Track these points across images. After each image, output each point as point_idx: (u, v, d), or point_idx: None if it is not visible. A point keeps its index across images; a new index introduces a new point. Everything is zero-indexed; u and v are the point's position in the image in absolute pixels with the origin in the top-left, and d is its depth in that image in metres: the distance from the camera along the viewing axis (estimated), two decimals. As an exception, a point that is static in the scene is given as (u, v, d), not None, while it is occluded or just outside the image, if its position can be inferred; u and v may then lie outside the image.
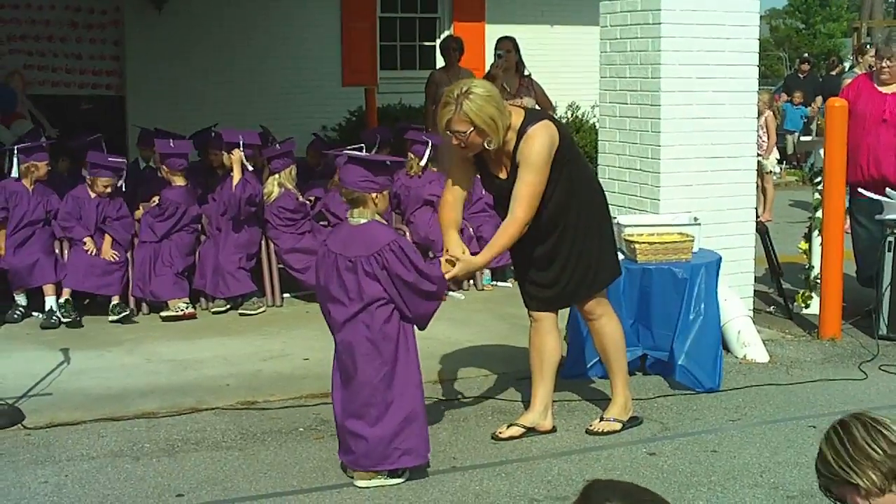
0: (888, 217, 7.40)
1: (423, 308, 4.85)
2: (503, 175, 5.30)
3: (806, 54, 21.54)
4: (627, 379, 5.74)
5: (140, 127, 10.45)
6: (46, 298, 7.90)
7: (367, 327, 4.76)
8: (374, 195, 4.83)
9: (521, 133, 5.17)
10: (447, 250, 5.24)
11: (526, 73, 9.94)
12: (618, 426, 5.57)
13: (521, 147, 5.16)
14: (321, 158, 10.13)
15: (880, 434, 2.99)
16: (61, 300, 7.91)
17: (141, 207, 8.59)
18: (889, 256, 7.27)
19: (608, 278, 5.56)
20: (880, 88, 7.83)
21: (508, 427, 5.53)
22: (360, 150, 9.13)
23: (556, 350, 5.58)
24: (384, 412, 4.79)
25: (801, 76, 19.39)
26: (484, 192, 9.04)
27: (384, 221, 4.96)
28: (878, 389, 6.40)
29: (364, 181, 4.80)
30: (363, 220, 4.84)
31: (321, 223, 8.89)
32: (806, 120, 18.44)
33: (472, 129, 5.06)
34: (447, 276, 5.03)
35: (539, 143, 5.15)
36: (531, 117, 5.25)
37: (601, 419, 5.62)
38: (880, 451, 2.95)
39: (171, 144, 8.45)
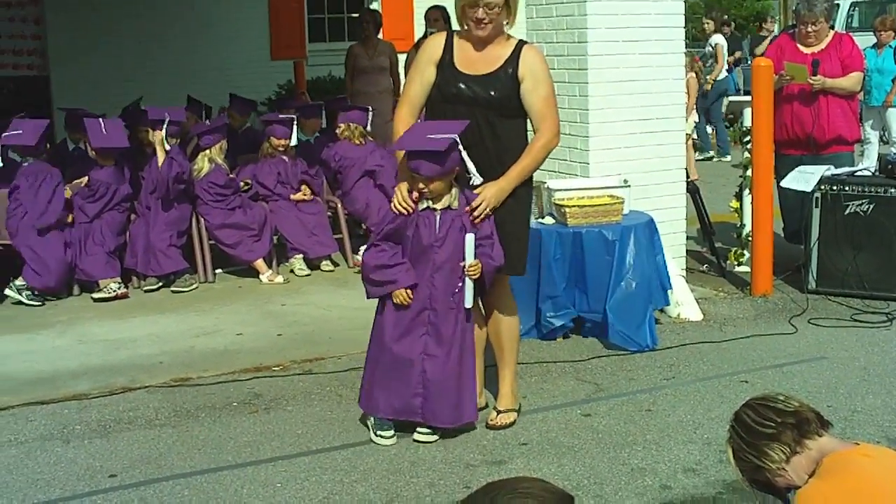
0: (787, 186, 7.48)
1: None
2: (474, 71, 4.96)
3: (725, 17, 21.66)
4: (516, 367, 5.45)
5: (65, 109, 10.23)
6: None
7: None
8: None
9: (520, 43, 5.03)
10: (400, 186, 4.91)
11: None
12: (514, 416, 5.28)
13: (527, 58, 4.95)
14: (243, 118, 10.22)
15: (768, 408, 3.09)
16: (21, 283, 7.82)
17: (68, 188, 8.43)
18: (816, 212, 7.35)
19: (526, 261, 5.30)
20: (802, 49, 7.90)
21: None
22: (292, 121, 9.04)
23: (480, 332, 5.32)
24: None
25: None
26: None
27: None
28: (807, 342, 6.49)
29: None
30: None
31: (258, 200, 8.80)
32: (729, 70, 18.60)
33: (504, 3, 4.85)
34: (478, 210, 4.85)
35: (545, 60, 5.08)
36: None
37: (498, 412, 5.25)
38: (772, 424, 3.05)
39: (104, 132, 8.24)
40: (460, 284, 4.89)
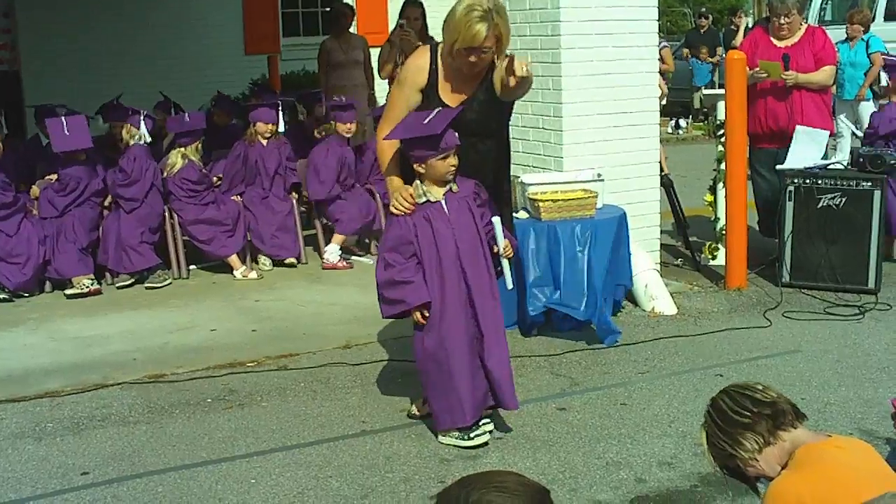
0: (787, 167, 7.51)
1: None
2: (455, 101, 4.95)
3: (703, 9, 21.66)
4: None
5: (35, 107, 10.14)
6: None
7: None
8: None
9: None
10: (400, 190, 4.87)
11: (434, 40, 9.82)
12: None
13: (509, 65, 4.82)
14: (229, 118, 10.03)
15: (745, 397, 3.08)
16: None
17: (36, 186, 8.36)
18: (790, 206, 7.38)
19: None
20: (776, 42, 7.93)
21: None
22: (278, 105, 8.96)
23: None
24: None
25: (701, 31, 19.57)
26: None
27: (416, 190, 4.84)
28: (781, 335, 6.51)
29: None
30: None
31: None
32: (712, 72, 18.68)
33: (496, 44, 4.81)
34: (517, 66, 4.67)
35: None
36: None
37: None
38: (748, 413, 3.04)
39: (66, 132, 8.15)
40: (499, 269, 4.88)
